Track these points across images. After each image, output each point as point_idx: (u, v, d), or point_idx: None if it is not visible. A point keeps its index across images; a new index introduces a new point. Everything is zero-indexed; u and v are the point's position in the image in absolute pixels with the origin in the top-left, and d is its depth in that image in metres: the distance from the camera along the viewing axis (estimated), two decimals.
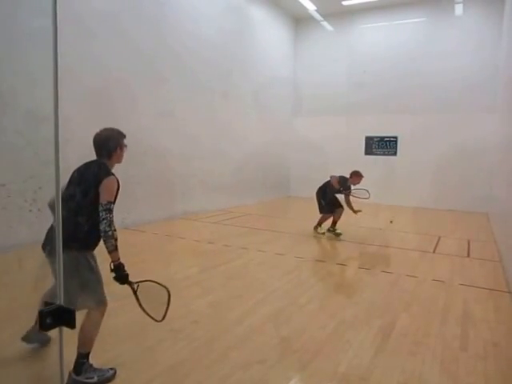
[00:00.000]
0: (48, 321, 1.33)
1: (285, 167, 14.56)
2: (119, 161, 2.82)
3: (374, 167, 12.53)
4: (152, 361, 2.87)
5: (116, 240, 2.48)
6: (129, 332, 3.31)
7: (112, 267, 2.48)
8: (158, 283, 2.54)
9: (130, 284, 2.53)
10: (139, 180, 8.00)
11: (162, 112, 8.59)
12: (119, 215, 8.08)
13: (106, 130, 2.80)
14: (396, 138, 12.85)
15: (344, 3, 12.58)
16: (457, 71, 11.76)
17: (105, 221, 2.45)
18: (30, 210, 5.76)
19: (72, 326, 1.40)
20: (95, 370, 2.55)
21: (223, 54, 10.62)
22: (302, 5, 12.41)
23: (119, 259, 2.49)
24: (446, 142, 11.94)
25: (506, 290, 4.70)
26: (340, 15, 13.37)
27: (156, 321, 2.52)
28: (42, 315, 1.31)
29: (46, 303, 1.40)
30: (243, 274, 5.14)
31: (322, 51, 14.02)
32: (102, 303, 2.63)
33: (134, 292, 2.55)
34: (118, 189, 2.63)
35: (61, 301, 1.41)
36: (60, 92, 1.36)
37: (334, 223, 7.64)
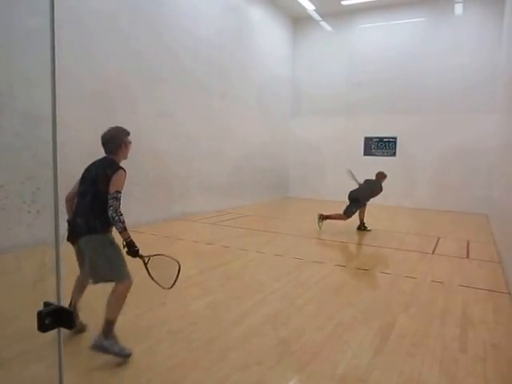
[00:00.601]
0: (47, 322, 1.32)
1: (283, 168, 14.56)
2: (125, 156, 3.18)
3: (373, 168, 12.50)
4: (150, 362, 2.86)
5: (123, 223, 2.82)
6: (128, 333, 3.30)
7: (124, 244, 2.86)
8: (168, 256, 2.94)
9: (141, 257, 2.90)
10: (137, 181, 7.98)
11: (161, 113, 8.58)
12: None
13: (111, 129, 3.13)
14: (395, 138, 12.86)
15: (343, 3, 12.58)
16: (456, 71, 11.77)
17: (111, 207, 2.81)
18: (29, 211, 5.75)
19: (71, 327, 1.39)
20: (118, 343, 2.82)
21: (222, 54, 10.62)
22: (300, 4, 12.43)
23: (129, 237, 2.87)
24: (446, 142, 11.95)
25: (506, 291, 4.71)
26: (339, 15, 13.38)
27: (163, 288, 2.91)
28: (40, 316, 1.31)
29: (46, 304, 1.40)
30: (242, 275, 5.14)
31: (321, 51, 14.03)
32: (123, 278, 2.89)
33: (145, 264, 2.91)
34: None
35: (60, 301, 1.40)
36: (57, 92, 1.36)
37: (362, 221, 8.18)
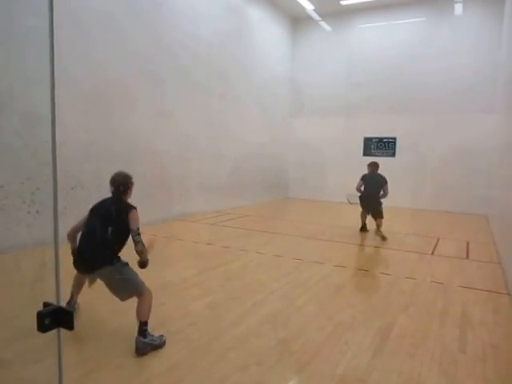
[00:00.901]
0: (47, 322, 1.32)
1: (283, 168, 14.56)
2: (129, 196, 3.59)
3: None
4: (150, 362, 2.86)
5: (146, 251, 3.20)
6: (127, 333, 3.30)
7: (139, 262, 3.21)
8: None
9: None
10: (136, 181, 7.95)
11: (160, 113, 8.58)
12: None
13: (119, 174, 3.53)
14: (395, 138, 12.86)
15: (342, 3, 12.59)
16: (456, 71, 11.78)
17: (139, 243, 3.16)
18: (28, 212, 5.75)
19: (70, 327, 1.39)
20: (153, 335, 3.09)
21: (221, 54, 10.62)
22: (299, 4, 12.45)
23: (148, 259, 3.23)
24: (445, 142, 11.97)
25: (505, 291, 4.71)
26: (338, 15, 13.38)
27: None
28: (40, 316, 1.31)
29: (45, 304, 1.40)
30: (242, 276, 5.13)
31: (321, 51, 14.03)
32: (142, 290, 3.17)
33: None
34: None
35: (59, 302, 1.40)
36: (56, 92, 1.36)
37: (365, 225, 8.04)
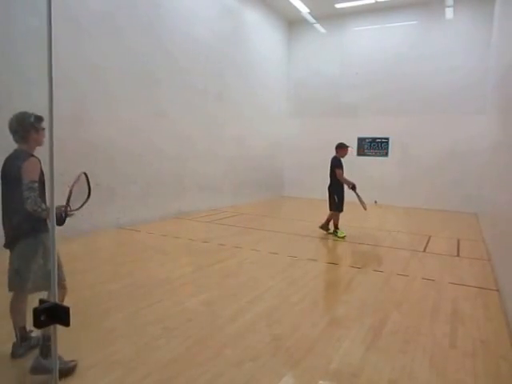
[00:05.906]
0: (42, 318, 1.34)
1: (278, 167, 14.62)
2: (39, 143, 2.78)
3: (365, 168, 12.67)
4: (146, 358, 2.89)
5: (47, 210, 2.47)
6: (124, 330, 3.34)
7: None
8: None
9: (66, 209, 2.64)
10: (135, 180, 8.01)
11: (157, 113, 8.59)
12: (114, 215, 8.04)
13: (17, 114, 2.71)
14: (388, 139, 12.96)
15: (337, 6, 12.71)
16: (447, 73, 11.91)
17: (29, 200, 2.42)
18: None
19: (66, 323, 1.41)
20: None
21: (218, 56, 10.65)
22: (295, 7, 12.52)
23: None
24: (437, 143, 12.11)
25: (495, 288, 4.79)
26: (333, 18, 13.49)
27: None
28: (36, 312, 1.33)
29: (41, 301, 1.42)
30: (237, 273, 5.18)
31: (316, 53, 14.12)
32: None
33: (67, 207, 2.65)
34: (42, 169, 2.63)
35: (55, 299, 1.42)
36: (54, 93, 1.38)
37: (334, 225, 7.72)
